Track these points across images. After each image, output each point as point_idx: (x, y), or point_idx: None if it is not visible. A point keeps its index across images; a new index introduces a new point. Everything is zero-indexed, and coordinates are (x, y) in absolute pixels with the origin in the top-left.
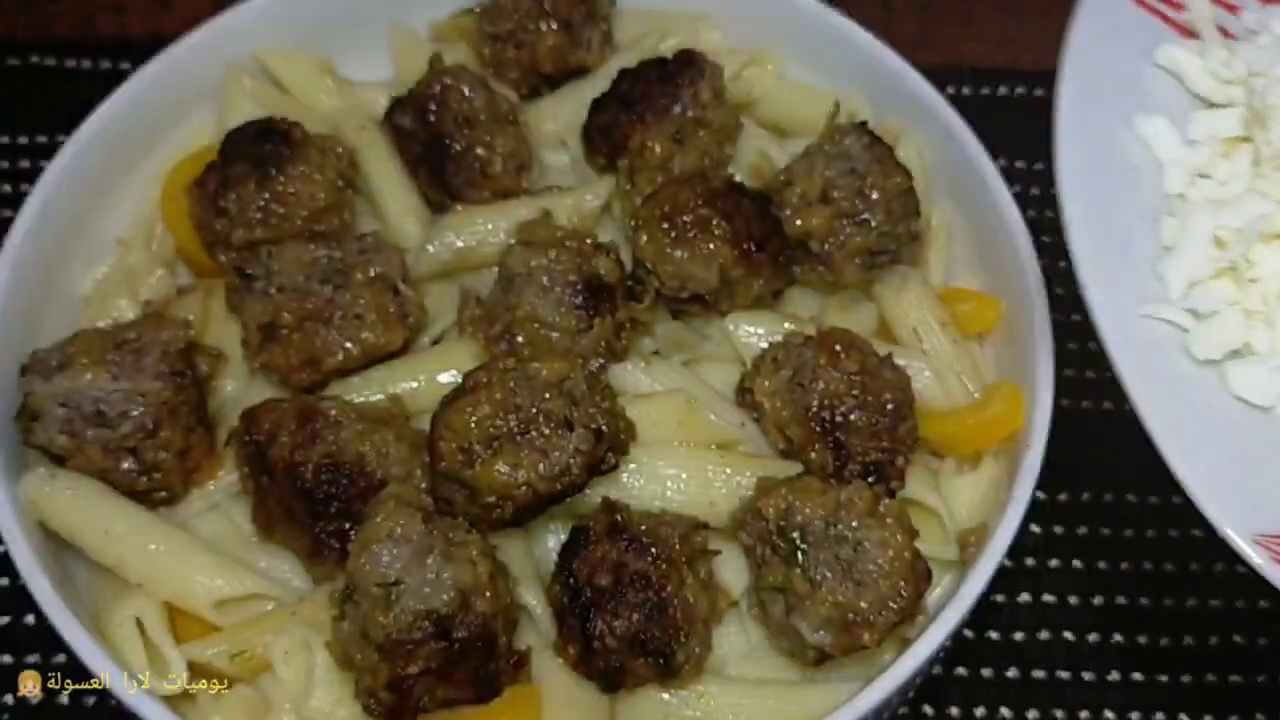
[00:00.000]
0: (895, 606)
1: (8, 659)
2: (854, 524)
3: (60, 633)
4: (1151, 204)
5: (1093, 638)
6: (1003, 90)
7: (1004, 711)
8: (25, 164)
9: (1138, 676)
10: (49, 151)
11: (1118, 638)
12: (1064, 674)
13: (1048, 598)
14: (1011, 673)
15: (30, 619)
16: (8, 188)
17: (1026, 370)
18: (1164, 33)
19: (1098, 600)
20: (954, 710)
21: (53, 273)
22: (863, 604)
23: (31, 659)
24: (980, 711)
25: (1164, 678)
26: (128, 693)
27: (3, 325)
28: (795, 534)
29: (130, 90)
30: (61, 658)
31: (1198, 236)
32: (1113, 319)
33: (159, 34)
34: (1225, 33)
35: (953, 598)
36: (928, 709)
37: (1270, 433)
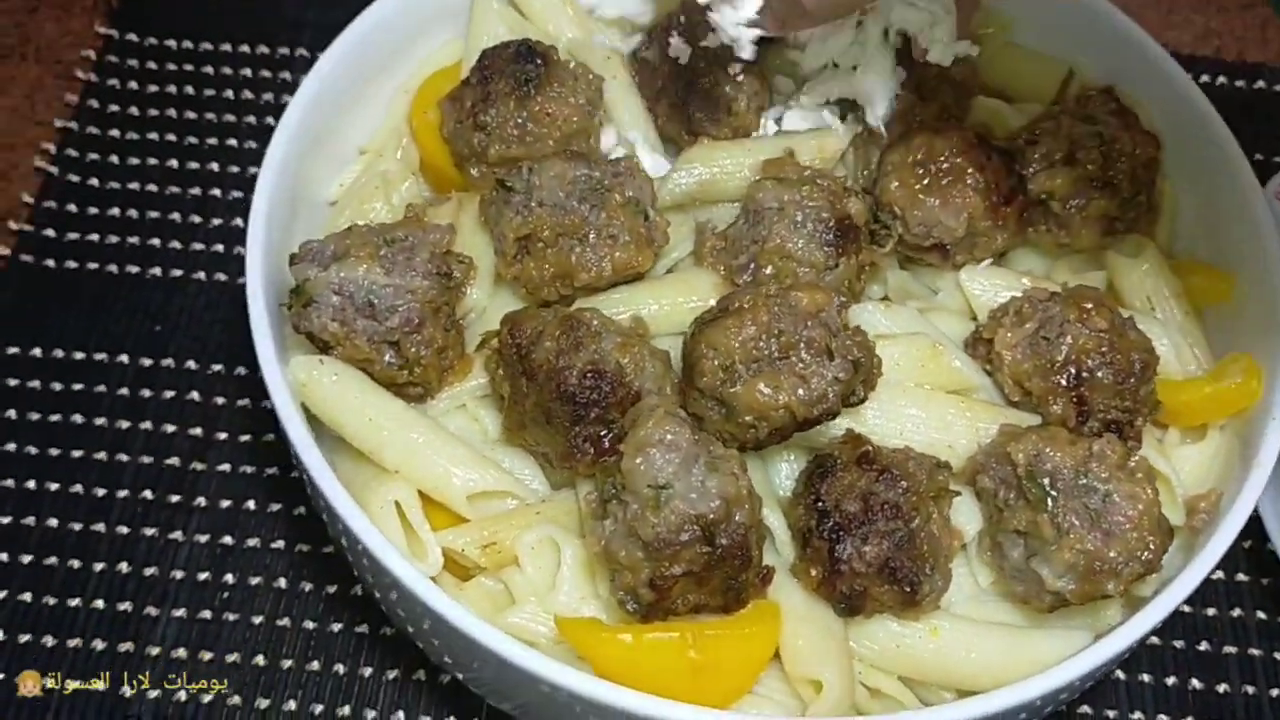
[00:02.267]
0: (1142, 558)
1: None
2: (1104, 475)
3: (334, 508)
4: None
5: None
6: (1204, 79)
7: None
8: (265, 73)
9: None
10: (290, 64)
11: None
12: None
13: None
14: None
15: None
16: (247, 94)
17: (1265, 342)
18: None
19: None
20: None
21: (303, 179)
22: (1111, 553)
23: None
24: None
25: None
26: (399, 569)
27: (267, 222)
28: (1045, 480)
29: (380, 7)
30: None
31: None
32: None
33: None
34: None
35: (1191, 560)
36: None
37: None
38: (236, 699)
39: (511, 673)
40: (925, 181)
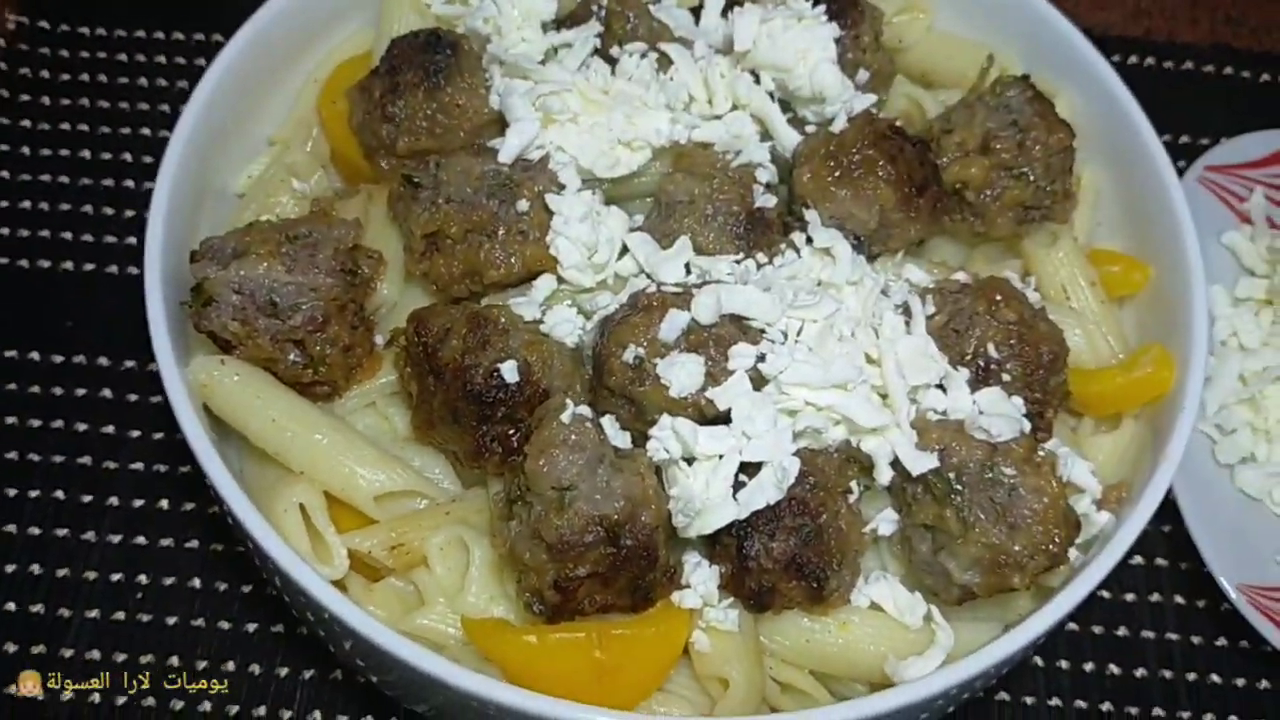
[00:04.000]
0: (1047, 551)
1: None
2: (1010, 469)
3: (234, 512)
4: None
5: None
6: (1134, 60)
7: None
8: (180, 60)
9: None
10: (206, 49)
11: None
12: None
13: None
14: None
15: None
16: (162, 82)
17: (1179, 333)
18: (1227, 217)
19: (1201, 603)
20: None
21: (209, 169)
22: (1015, 547)
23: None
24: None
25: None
26: (301, 575)
27: (168, 217)
28: (951, 474)
29: None
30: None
31: (1228, 374)
32: None
33: None
34: (1273, 223)
35: (1099, 552)
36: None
37: (1258, 516)
38: (151, 700)
39: (416, 677)
40: (837, 173)
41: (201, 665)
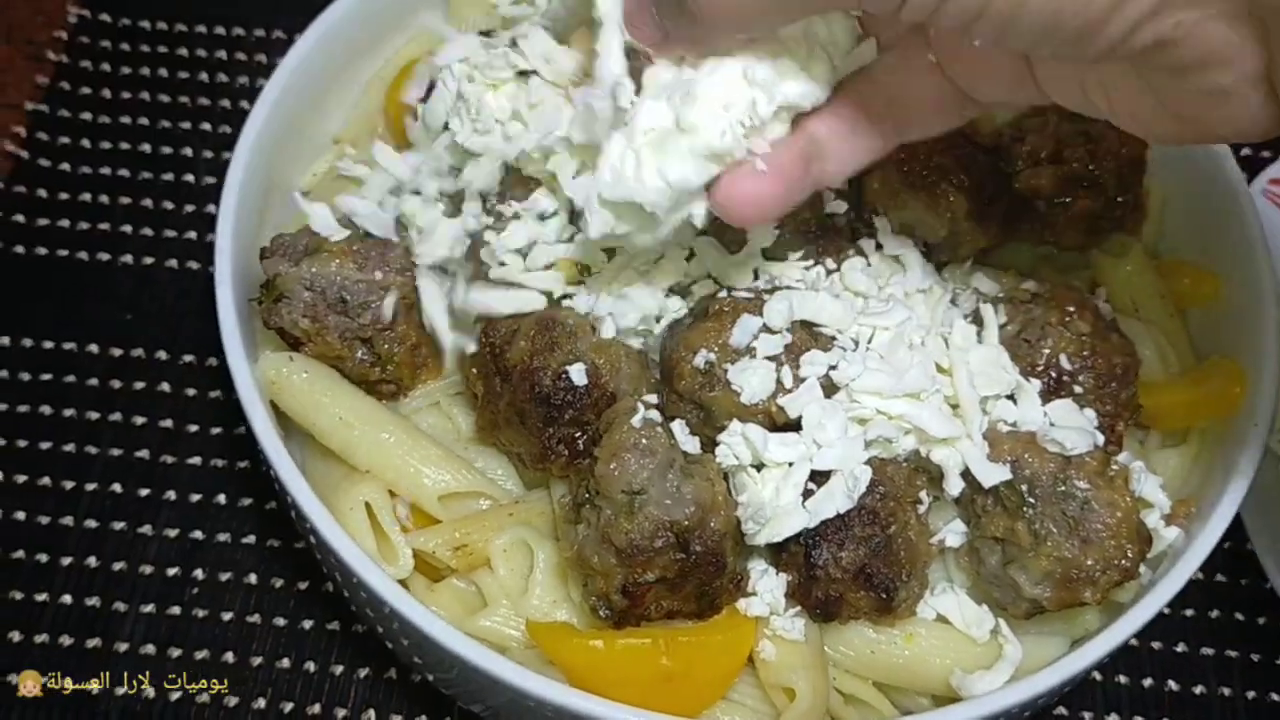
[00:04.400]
0: (1119, 566)
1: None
2: (1083, 482)
3: (300, 507)
4: None
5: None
6: None
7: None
8: (241, 56)
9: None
10: (267, 45)
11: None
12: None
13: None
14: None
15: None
16: (222, 77)
17: (1249, 347)
18: None
19: (1262, 620)
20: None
21: (274, 166)
22: (1088, 561)
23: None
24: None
25: None
26: (367, 573)
27: (237, 213)
28: (1023, 486)
29: None
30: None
31: None
32: None
33: None
34: None
35: (1168, 569)
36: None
37: None
38: (205, 697)
39: (479, 677)
40: (910, 180)
41: (256, 661)
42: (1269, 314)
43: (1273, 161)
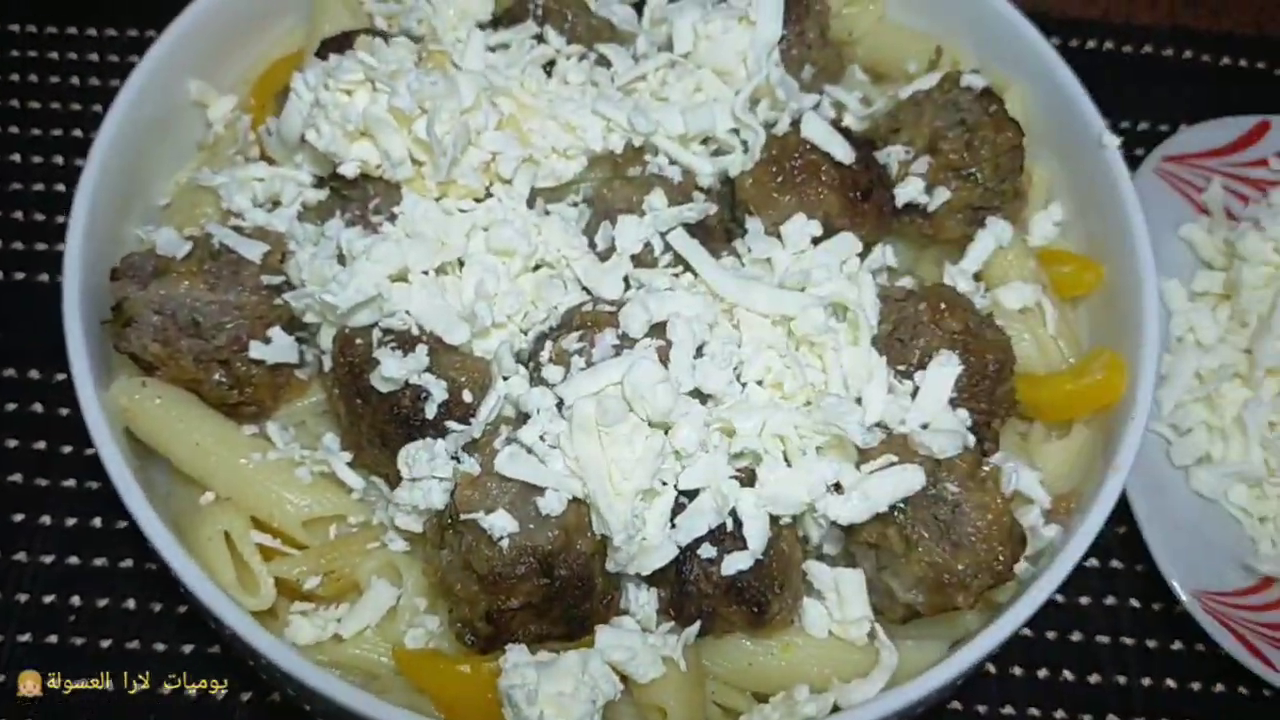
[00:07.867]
0: (991, 570)
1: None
2: (953, 485)
3: (152, 542)
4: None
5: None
6: (1090, 44)
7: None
8: (113, 58)
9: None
10: (140, 46)
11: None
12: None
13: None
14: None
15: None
16: (94, 80)
17: (1129, 338)
18: (1184, 208)
19: (1156, 606)
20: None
21: (136, 176)
22: (959, 565)
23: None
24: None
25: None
26: (221, 607)
27: (88, 230)
28: None
29: None
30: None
31: (1184, 372)
32: None
33: None
34: (1230, 215)
35: (1047, 566)
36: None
37: (1214, 519)
38: None
39: (341, 711)
40: (779, 179)
41: (139, 688)
42: (1149, 303)
43: (1170, 135)
